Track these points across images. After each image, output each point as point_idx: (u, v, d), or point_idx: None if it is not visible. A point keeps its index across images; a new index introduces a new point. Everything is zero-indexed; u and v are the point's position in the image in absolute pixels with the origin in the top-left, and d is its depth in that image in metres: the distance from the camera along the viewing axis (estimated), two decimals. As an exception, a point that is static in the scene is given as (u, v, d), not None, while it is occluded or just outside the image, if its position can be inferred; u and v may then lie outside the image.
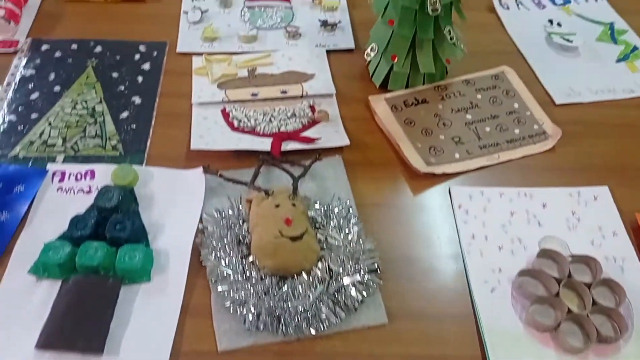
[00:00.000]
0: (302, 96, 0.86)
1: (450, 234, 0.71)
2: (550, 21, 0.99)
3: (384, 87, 0.87)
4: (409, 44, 0.81)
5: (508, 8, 1.02)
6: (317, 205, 0.69)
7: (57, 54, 0.90)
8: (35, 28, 0.95)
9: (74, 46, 0.91)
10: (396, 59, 0.82)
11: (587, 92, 0.88)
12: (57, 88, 0.85)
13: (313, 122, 0.82)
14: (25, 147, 0.77)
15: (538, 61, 0.93)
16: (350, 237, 0.66)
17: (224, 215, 0.68)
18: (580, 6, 1.03)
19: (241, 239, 0.66)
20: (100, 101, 0.83)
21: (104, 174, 0.73)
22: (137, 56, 0.91)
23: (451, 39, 0.81)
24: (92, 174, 0.74)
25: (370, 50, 0.84)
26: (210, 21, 0.97)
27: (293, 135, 0.79)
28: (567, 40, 0.95)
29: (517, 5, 1.02)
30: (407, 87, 0.86)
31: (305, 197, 0.70)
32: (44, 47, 0.91)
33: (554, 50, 0.95)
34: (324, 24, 0.97)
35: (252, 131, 0.80)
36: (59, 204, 0.71)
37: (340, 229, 0.67)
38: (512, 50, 0.95)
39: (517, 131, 0.81)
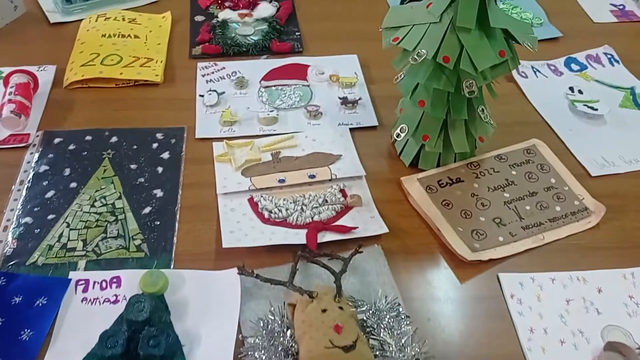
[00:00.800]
0: (331, 179, 0.82)
1: (506, 327, 0.66)
2: (571, 89, 0.98)
3: (413, 165, 0.84)
4: (441, 124, 0.78)
5: (526, 77, 1.01)
6: (364, 307, 0.65)
7: (71, 146, 0.86)
8: (46, 119, 0.91)
9: (88, 137, 0.88)
10: (428, 139, 0.79)
11: (621, 162, 0.86)
12: (73, 184, 0.81)
13: (346, 208, 0.78)
14: (44, 252, 0.72)
15: (565, 131, 0.91)
16: (404, 340, 0.62)
17: (265, 322, 0.63)
18: (598, 71, 1.03)
19: (287, 349, 0.61)
20: (120, 197, 0.79)
21: (131, 280, 0.68)
22: (154, 145, 0.87)
23: (484, 117, 0.78)
24: (118, 281, 0.69)
25: (400, 131, 0.82)
26: (227, 104, 0.94)
27: (328, 225, 0.75)
28: (592, 108, 0.94)
29: (535, 73, 1.01)
30: (438, 165, 0.83)
31: (350, 297, 0.66)
32: (57, 139, 0.87)
33: (579, 118, 0.94)
34: (344, 101, 0.95)
35: (284, 222, 0.76)
36: (84, 316, 0.65)
37: (391, 331, 0.62)
38: (537, 120, 0.94)
39: (558, 208, 0.78)
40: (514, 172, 0.82)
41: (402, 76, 0.81)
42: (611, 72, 1.03)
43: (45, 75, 0.98)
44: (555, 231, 0.76)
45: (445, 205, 0.78)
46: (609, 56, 1.06)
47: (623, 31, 1.14)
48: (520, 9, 1.16)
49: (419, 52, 0.71)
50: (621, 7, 1.20)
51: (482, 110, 0.78)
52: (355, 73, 1.01)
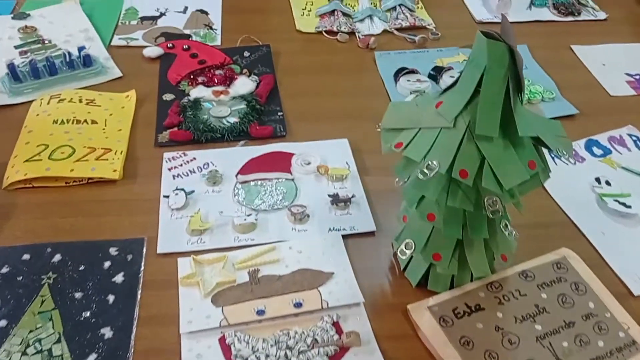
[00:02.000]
0: (322, 308, 0.67)
1: None
2: (598, 180, 0.85)
3: (421, 284, 0.70)
4: (455, 242, 0.64)
5: (544, 164, 0.88)
6: None
7: (4, 269, 0.70)
8: (-23, 231, 0.76)
9: (26, 256, 0.72)
10: (440, 260, 0.65)
11: (666, 276, 0.72)
12: (2, 322, 0.65)
13: (342, 350, 0.63)
14: None
15: (597, 234, 0.77)
16: None
17: None
18: (624, 157, 0.90)
19: None
20: (59, 339, 0.63)
21: None
22: (106, 264, 0.72)
23: (508, 233, 0.65)
24: None
25: (405, 247, 0.67)
26: (197, 206, 0.80)
27: (320, 380, 0.59)
28: (624, 204, 0.80)
29: (553, 159, 0.88)
30: (451, 286, 0.69)
31: None
32: (-13, 260, 0.72)
33: (610, 217, 0.80)
34: (335, 199, 0.81)
35: (264, 374, 0.61)
36: None
37: None
38: (563, 221, 0.80)
39: (601, 344, 0.64)
40: (544, 295, 0.68)
41: (406, 180, 0.67)
42: (638, 157, 0.90)
43: (-18, 173, 0.83)
44: (601, 376, 0.61)
45: (464, 344, 0.63)
46: (634, 138, 0.93)
47: (644, 106, 1.03)
48: (529, 81, 1.04)
49: (429, 165, 0.57)
50: (637, 77, 1.09)
51: (506, 225, 0.64)
52: (346, 163, 0.87)
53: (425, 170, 0.57)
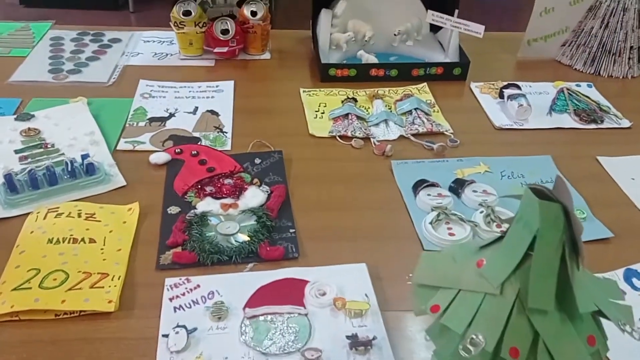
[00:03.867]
0: None
1: None
2: (644, 320, 0.77)
3: None
4: (497, 416, 0.56)
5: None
6: None
7: None
8: (-49, 377, 0.67)
9: (3, 411, 0.64)
10: None
11: None
12: None
13: None
14: None
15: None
16: None
17: None
18: (669, 290, 0.82)
19: None
20: None
21: None
22: (94, 423, 0.63)
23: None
24: None
25: (438, 415, 0.59)
26: (199, 348, 0.71)
27: None
28: (678, 352, 0.72)
29: (592, 293, 0.81)
30: None
31: None
32: (-43, 418, 0.63)
33: (663, 367, 0.72)
34: (354, 342, 0.72)
35: None
36: None
37: None
38: (609, 372, 0.72)
39: None
40: None
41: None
42: (684, 290, 0.82)
43: (-36, 302, 0.75)
44: None
45: None
46: (677, 268, 0.86)
47: (681, 228, 0.96)
48: (557, 198, 0.98)
49: (473, 340, 0.49)
50: (670, 193, 1.03)
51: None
52: (366, 295, 0.79)
53: (469, 347, 0.49)
